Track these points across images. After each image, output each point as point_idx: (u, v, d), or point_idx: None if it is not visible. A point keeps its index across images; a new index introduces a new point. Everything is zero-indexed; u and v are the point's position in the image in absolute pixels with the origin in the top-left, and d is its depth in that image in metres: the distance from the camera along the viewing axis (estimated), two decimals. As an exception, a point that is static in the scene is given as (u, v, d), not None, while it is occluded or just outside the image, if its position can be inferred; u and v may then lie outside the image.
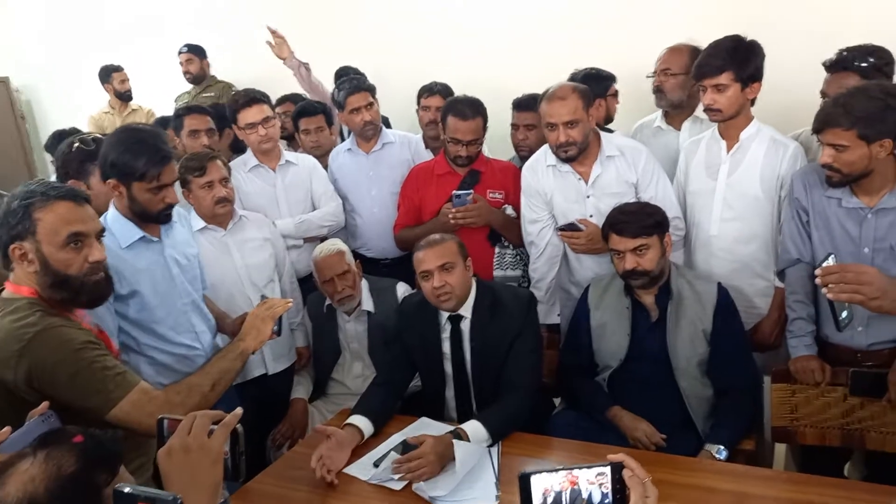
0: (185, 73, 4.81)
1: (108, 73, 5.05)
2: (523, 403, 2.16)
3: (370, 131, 3.15)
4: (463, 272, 2.26)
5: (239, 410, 1.25)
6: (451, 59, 4.16)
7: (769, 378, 2.26)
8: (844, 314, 1.67)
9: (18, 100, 5.95)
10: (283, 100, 3.97)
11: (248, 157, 3.02)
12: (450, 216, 2.73)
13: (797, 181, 2.24)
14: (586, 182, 2.57)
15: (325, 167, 3.24)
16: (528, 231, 2.72)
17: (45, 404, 1.42)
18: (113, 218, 2.05)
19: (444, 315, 2.32)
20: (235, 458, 1.23)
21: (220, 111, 3.43)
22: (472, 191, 2.75)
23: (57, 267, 1.59)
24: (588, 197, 2.57)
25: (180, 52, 4.80)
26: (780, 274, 2.35)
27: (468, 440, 1.99)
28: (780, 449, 2.51)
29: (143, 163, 1.94)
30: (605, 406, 2.26)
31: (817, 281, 1.59)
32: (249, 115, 2.92)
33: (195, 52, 4.80)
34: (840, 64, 2.40)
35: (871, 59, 2.35)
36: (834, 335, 2.19)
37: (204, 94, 4.76)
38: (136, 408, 1.60)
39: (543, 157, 2.64)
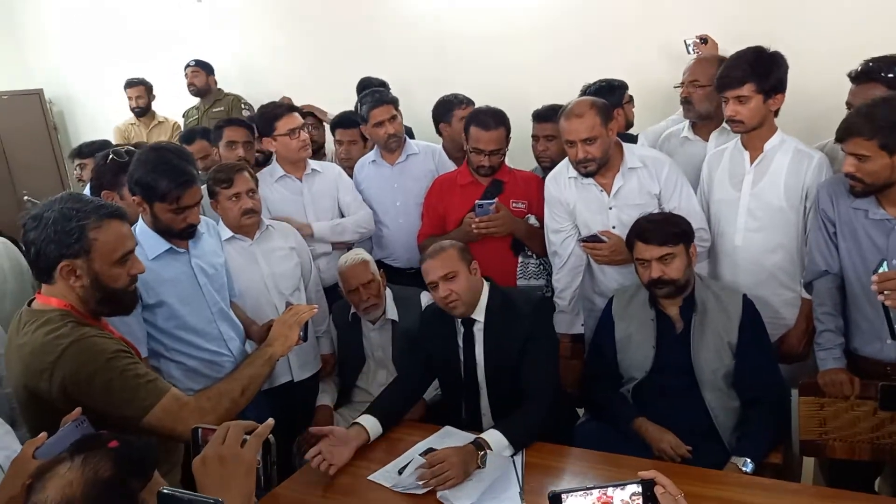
0: (190, 85, 4.89)
1: (125, 88, 5.13)
2: (543, 410, 2.16)
3: (394, 144, 3.19)
4: (467, 277, 2.26)
5: (271, 421, 1.27)
6: (472, 69, 4.20)
7: (797, 391, 2.24)
8: None
9: (51, 111, 6.10)
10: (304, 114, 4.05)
11: (275, 168, 3.06)
12: (473, 226, 2.74)
13: (823, 192, 2.23)
14: (608, 194, 2.57)
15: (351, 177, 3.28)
16: (551, 241, 2.73)
17: (77, 410, 1.45)
18: (141, 230, 2.10)
19: (459, 320, 2.34)
20: (267, 468, 1.26)
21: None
22: (494, 200, 2.76)
23: (107, 282, 1.65)
24: (610, 208, 2.58)
25: (188, 66, 4.89)
26: (808, 286, 2.33)
27: (490, 450, 2.00)
28: (809, 463, 2.47)
29: (164, 184, 1.99)
30: (630, 417, 2.25)
31: (873, 287, 1.56)
32: (292, 121, 2.97)
33: (203, 66, 4.89)
34: (866, 74, 2.38)
35: None
36: (863, 347, 2.18)
37: (214, 109, 4.83)
38: (167, 414, 1.63)
39: (566, 168, 2.65)
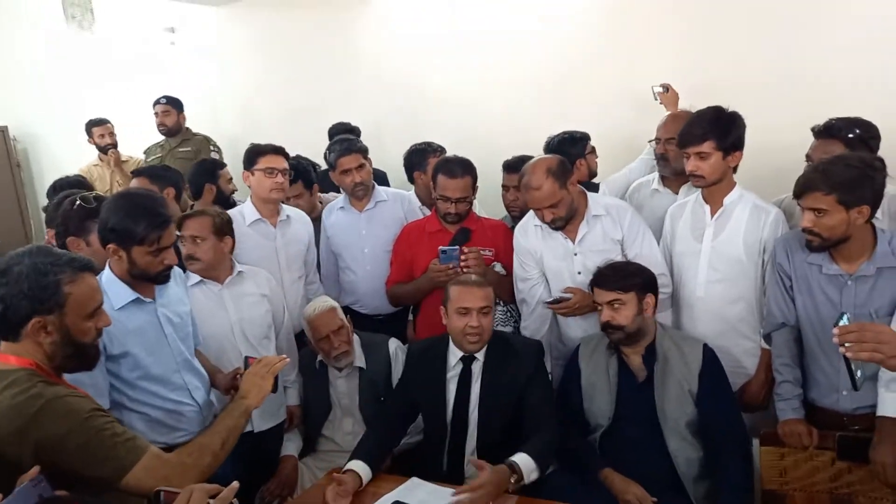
0: (160, 125, 4.76)
1: (89, 128, 5.04)
2: (555, 439, 2.25)
3: (360, 192, 3.20)
4: (492, 317, 2.34)
5: (235, 485, 1.25)
6: (446, 119, 4.28)
7: (758, 440, 2.28)
8: (860, 373, 1.69)
9: (15, 148, 6.02)
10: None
11: (248, 210, 3.02)
12: (462, 267, 2.73)
13: (779, 247, 2.31)
14: (573, 241, 2.64)
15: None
16: (519, 289, 2.77)
17: (35, 469, 1.40)
18: (108, 280, 2.07)
19: (455, 356, 2.37)
20: None
21: (204, 166, 3.55)
22: (458, 247, 2.78)
23: (77, 337, 1.62)
24: (575, 255, 2.64)
25: (157, 103, 4.76)
26: (767, 337, 2.40)
27: (521, 472, 2.07)
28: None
29: (142, 227, 1.97)
30: (597, 467, 2.26)
31: (835, 340, 1.61)
32: (273, 160, 2.97)
33: (174, 104, 4.77)
34: (828, 131, 2.51)
35: (858, 131, 2.46)
36: (820, 399, 2.24)
37: (181, 149, 4.72)
38: (148, 473, 1.58)
39: (532, 218, 2.71)
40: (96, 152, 5.12)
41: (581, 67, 4.03)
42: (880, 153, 2.41)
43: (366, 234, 3.23)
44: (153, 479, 1.58)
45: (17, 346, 1.61)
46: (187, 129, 4.85)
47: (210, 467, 1.67)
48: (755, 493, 2.29)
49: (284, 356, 2.07)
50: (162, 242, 2.01)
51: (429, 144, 3.47)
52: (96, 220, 2.29)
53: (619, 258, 2.59)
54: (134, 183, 3.23)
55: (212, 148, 4.71)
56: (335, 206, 3.34)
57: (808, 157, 2.57)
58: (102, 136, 5.02)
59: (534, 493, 2.20)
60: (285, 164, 3.01)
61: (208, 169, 3.62)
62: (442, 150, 3.44)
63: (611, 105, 3.87)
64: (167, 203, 2.17)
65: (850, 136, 2.45)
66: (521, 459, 2.09)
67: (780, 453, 2.23)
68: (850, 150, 2.37)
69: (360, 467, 2.15)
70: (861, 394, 2.06)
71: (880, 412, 2.02)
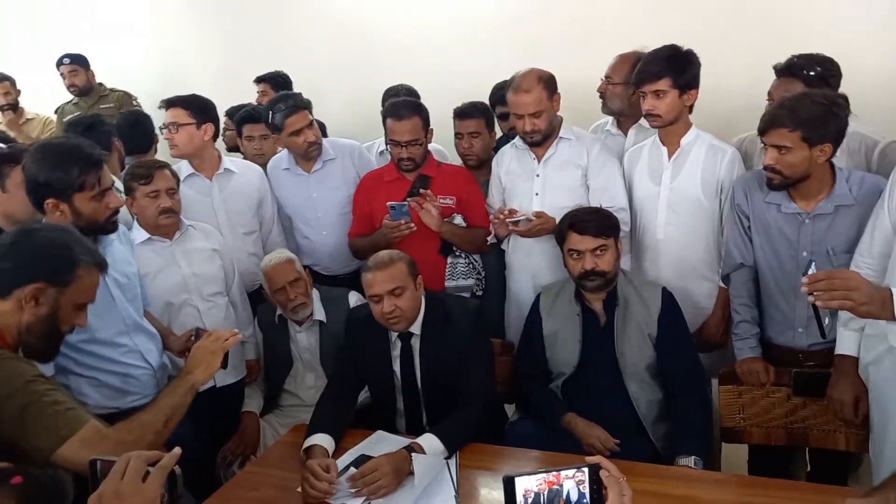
0: (71, 86, 4.46)
1: None
2: (476, 415, 2.16)
3: (315, 151, 2.97)
4: (413, 293, 2.21)
5: (177, 451, 1.18)
6: (398, 65, 4.11)
7: (716, 380, 2.32)
8: (827, 320, 1.69)
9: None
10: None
11: (184, 165, 2.89)
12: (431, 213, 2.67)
13: (738, 188, 2.31)
14: (539, 160, 2.67)
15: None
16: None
17: None
18: None
19: (394, 333, 2.29)
20: (173, 502, 1.18)
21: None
22: (406, 202, 2.68)
23: (59, 322, 1.62)
24: (537, 176, 2.67)
25: (62, 64, 4.43)
26: (725, 278, 2.42)
27: (424, 454, 1.98)
28: (736, 450, 2.55)
29: (76, 173, 1.87)
30: (560, 413, 2.27)
31: (803, 289, 1.59)
32: (167, 115, 2.84)
33: (79, 62, 4.45)
34: (789, 69, 2.51)
35: (819, 69, 2.45)
36: (776, 336, 2.28)
37: (102, 106, 4.42)
38: (85, 446, 1.50)
39: (514, 144, 2.76)
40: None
41: (551, 8, 3.90)
42: (840, 90, 2.40)
43: (317, 198, 3.04)
44: (90, 454, 1.50)
45: None
46: (100, 84, 4.57)
47: (152, 445, 1.60)
48: (714, 430, 2.35)
49: (236, 331, 1.95)
50: (103, 183, 1.92)
51: (398, 90, 3.36)
52: (12, 165, 2.18)
53: (579, 187, 2.62)
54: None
55: (134, 102, 4.45)
56: (279, 166, 3.08)
57: (769, 94, 2.57)
58: (7, 93, 4.66)
59: (497, 440, 2.22)
60: (175, 118, 2.80)
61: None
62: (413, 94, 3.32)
63: (576, 56, 3.69)
64: (91, 143, 2.03)
65: (811, 73, 2.44)
66: (427, 441, 2.00)
67: (738, 391, 2.27)
68: (811, 87, 2.36)
69: (324, 441, 2.06)
70: (815, 330, 2.10)
71: (839, 350, 2.06)
